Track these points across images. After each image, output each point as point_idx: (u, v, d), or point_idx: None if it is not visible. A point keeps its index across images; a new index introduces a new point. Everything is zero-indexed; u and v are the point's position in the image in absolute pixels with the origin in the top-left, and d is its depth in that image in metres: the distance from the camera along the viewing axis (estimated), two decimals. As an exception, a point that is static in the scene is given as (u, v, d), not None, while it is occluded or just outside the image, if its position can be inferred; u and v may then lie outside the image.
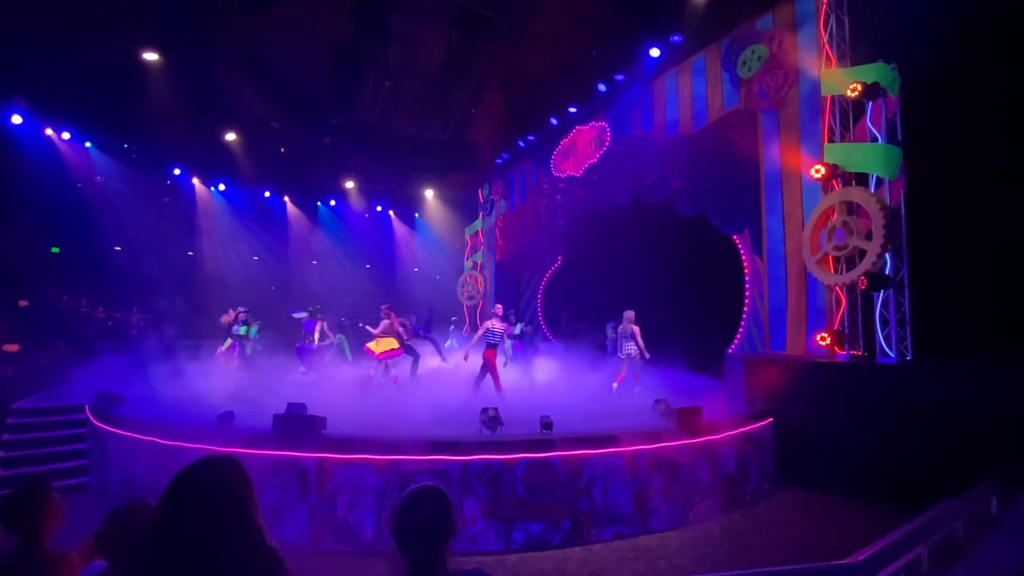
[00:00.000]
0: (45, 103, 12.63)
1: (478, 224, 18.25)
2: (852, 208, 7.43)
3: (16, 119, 12.46)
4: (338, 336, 12.25)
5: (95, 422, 7.35)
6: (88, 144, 14.53)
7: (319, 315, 11.31)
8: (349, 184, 19.15)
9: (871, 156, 7.33)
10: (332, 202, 20.42)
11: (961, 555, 4.40)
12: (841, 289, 7.70)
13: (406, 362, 10.00)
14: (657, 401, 6.74)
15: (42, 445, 7.51)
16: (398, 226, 21.71)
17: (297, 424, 5.74)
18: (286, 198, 19.62)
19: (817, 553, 4.71)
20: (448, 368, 10.58)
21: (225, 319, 10.80)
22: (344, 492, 5.41)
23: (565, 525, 5.50)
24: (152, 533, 1.38)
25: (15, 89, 12.09)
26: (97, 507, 2.02)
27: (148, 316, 14.46)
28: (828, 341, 7.53)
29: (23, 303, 13.60)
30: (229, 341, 10.66)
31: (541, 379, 10.13)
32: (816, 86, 8.10)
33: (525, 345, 12.48)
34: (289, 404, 6.21)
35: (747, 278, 9.63)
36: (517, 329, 10.94)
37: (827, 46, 7.98)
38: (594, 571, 4.94)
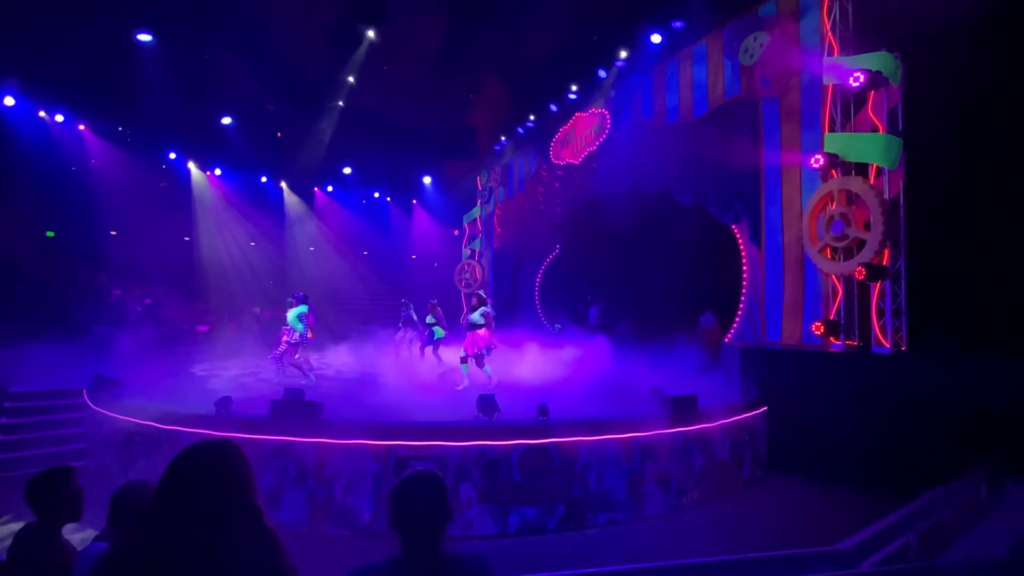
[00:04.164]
0: (38, 85, 12.47)
1: (476, 211, 18.16)
2: (851, 197, 7.42)
3: (9, 101, 12.30)
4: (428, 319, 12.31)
5: (92, 406, 7.36)
6: (82, 127, 14.36)
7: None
8: (347, 170, 19.01)
9: (872, 146, 7.29)
10: (329, 188, 20.28)
11: (950, 542, 4.46)
12: (838, 279, 7.72)
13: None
14: (653, 389, 6.77)
15: (40, 429, 7.55)
16: (396, 213, 21.60)
17: (295, 410, 5.76)
18: (283, 184, 19.47)
19: (808, 539, 4.77)
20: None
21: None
22: (342, 476, 5.45)
23: (560, 510, 5.56)
24: (152, 514, 1.39)
25: (7, 70, 11.91)
26: (96, 491, 2.03)
27: (148, 300, 14.41)
28: (823, 331, 7.56)
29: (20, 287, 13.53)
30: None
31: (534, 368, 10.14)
32: (818, 74, 8.02)
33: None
34: (287, 390, 6.22)
35: (745, 268, 9.63)
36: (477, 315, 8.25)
37: (830, 33, 7.91)
38: (588, 555, 5.00)
